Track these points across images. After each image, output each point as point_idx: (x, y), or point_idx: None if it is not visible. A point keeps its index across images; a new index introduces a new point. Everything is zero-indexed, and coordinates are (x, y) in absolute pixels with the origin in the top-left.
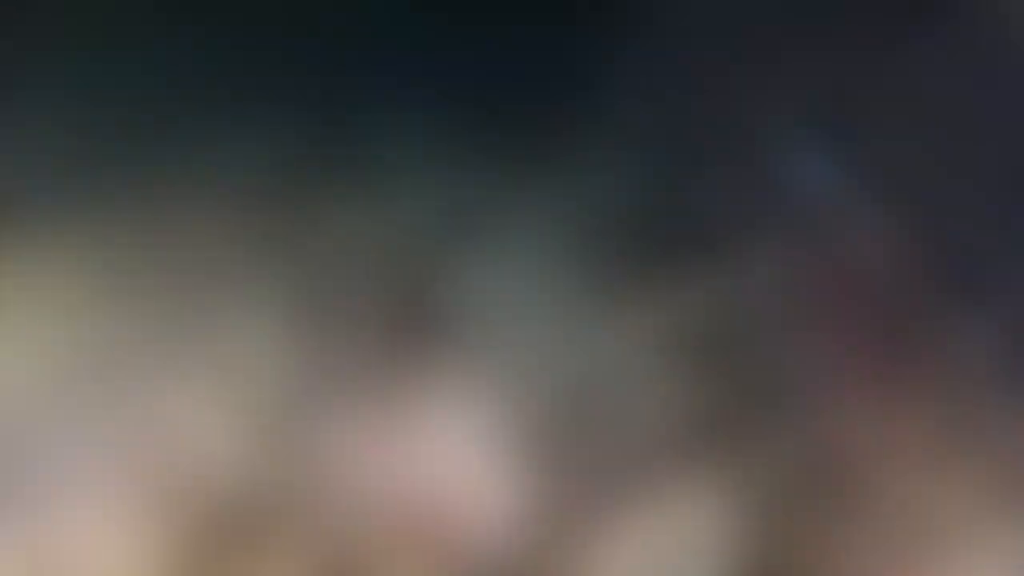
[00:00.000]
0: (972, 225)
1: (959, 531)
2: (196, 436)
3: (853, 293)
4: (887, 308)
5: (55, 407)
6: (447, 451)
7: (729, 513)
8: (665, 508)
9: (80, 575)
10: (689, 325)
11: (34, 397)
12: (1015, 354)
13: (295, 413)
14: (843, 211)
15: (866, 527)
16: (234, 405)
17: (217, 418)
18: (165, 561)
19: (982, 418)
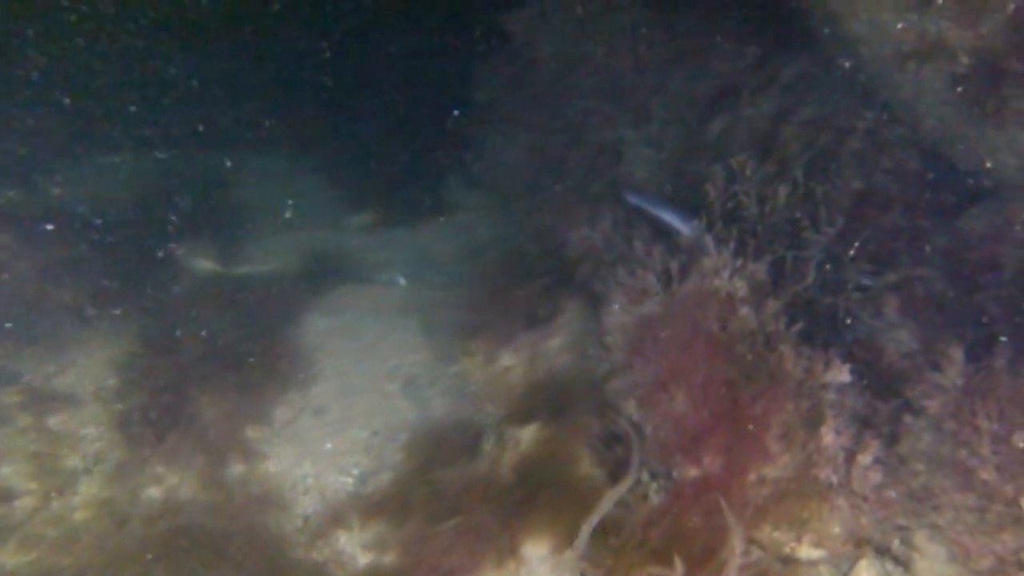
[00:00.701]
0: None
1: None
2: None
3: (714, 336)
4: (746, 348)
5: None
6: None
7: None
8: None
9: None
10: (545, 364)
11: None
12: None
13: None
14: (705, 255)
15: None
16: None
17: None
18: None
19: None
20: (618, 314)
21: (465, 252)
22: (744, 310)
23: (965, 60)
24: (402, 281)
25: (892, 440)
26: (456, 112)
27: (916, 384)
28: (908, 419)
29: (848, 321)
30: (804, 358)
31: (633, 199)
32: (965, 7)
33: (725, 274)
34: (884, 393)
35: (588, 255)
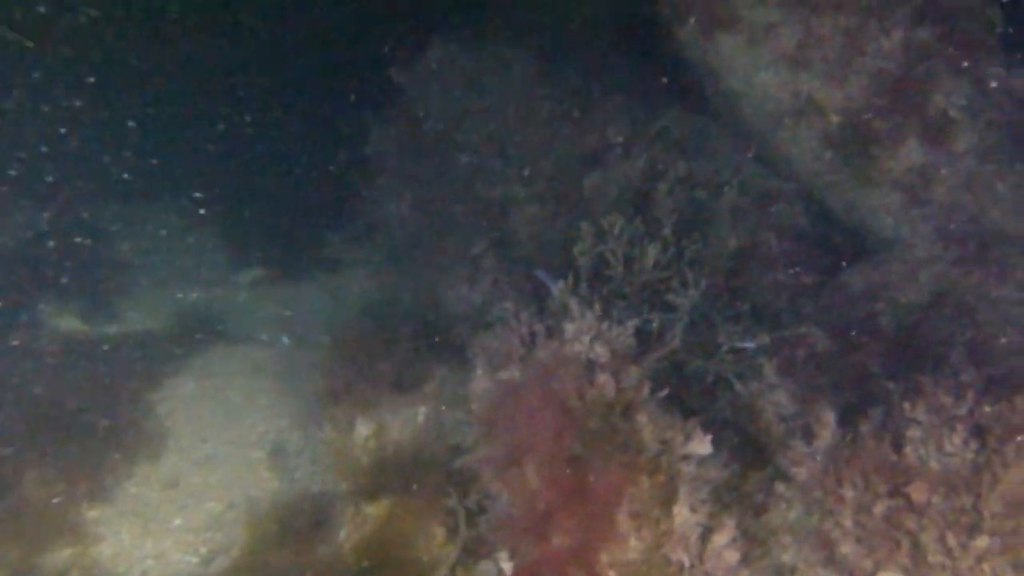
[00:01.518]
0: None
1: None
2: None
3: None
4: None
5: None
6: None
7: None
8: None
9: None
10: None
11: None
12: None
13: None
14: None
15: None
16: None
17: None
18: None
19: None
20: (481, 380)
21: (352, 310)
22: (603, 377)
23: (835, 119)
24: (286, 341)
25: (762, 510)
26: (347, 166)
27: (788, 450)
28: (780, 488)
29: (721, 384)
30: (663, 428)
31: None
32: (832, 68)
33: (586, 339)
34: (759, 459)
35: (465, 316)
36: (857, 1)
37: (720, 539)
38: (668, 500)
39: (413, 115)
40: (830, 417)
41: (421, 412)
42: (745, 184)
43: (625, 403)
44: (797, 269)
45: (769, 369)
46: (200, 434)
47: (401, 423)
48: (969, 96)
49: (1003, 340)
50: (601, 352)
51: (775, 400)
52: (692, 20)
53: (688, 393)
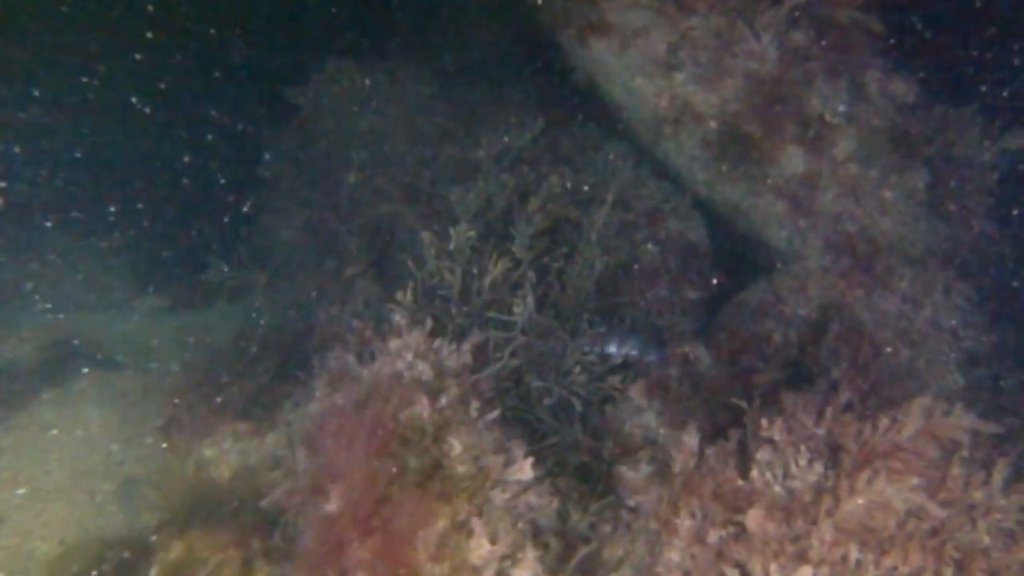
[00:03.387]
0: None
1: None
2: None
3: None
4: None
5: None
6: None
7: None
8: None
9: None
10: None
11: None
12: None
13: None
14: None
15: None
16: None
17: None
18: None
19: None
20: (317, 401)
21: (221, 336)
22: (419, 397)
23: (713, 124)
24: (175, 368)
25: (607, 541)
26: (238, 188)
27: (624, 478)
28: (626, 517)
29: (574, 406)
30: (481, 453)
31: None
32: (705, 70)
33: (408, 356)
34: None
35: (333, 336)
36: (727, 2)
37: (520, 574)
38: (472, 531)
39: (307, 134)
40: (692, 441)
41: (269, 439)
42: (628, 196)
43: (440, 425)
44: (684, 285)
45: (636, 390)
46: (43, 466)
47: (237, 451)
48: (848, 100)
49: (889, 357)
50: (423, 370)
51: (642, 423)
52: (570, 28)
53: (541, 416)
